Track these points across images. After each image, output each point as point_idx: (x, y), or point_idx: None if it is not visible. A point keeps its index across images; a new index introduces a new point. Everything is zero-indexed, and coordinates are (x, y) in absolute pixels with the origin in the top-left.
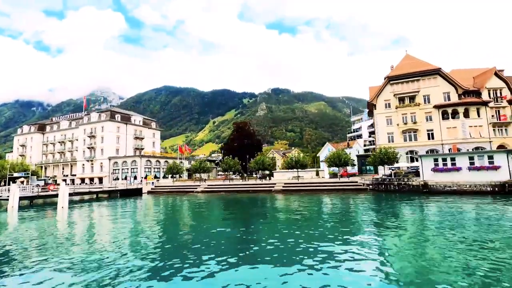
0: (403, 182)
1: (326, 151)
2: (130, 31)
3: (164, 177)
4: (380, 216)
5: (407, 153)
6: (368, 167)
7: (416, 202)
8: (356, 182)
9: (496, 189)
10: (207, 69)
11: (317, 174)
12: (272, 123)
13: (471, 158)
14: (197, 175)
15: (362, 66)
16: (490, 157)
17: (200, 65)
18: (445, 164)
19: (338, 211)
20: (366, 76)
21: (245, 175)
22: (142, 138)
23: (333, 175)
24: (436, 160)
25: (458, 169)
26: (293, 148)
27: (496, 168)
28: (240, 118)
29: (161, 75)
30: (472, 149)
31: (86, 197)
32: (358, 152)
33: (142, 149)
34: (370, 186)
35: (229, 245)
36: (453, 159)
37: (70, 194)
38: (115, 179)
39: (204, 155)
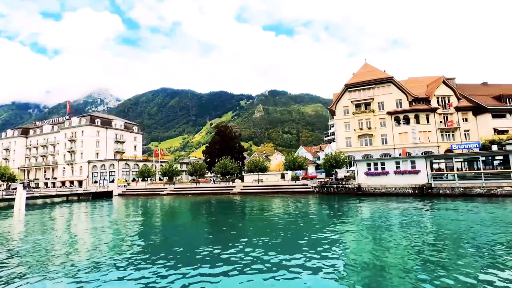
0: (341, 185)
1: (299, 154)
2: (128, 32)
3: (143, 180)
4: (305, 218)
5: (363, 157)
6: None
7: (351, 204)
8: (307, 185)
9: (416, 191)
10: (205, 70)
11: (283, 177)
12: (269, 125)
13: (397, 163)
14: (179, 177)
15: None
16: (413, 162)
17: (197, 66)
18: (376, 169)
19: (275, 211)
20: None
21: (216, 177)
22: (123, 142)
23: (296, 178)
24: (369, 164)
25: (387, 173)
26: (276, 151)
27: (417, 172)
28: (237, 120)
29: (158, 77)
30: (422, 153)
31: (57, 199)
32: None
33: (123, 152)
34: (317, 189)
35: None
36: (383, 164)
37: (35, 197)
38: (94, 182)
39: (196, 157)
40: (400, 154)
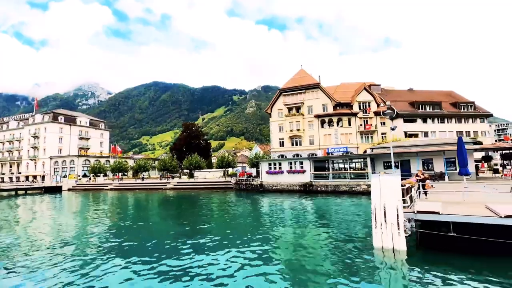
0: (248, 183)
1: (254, 152)
2: (118, 24)
3: (104, 175)
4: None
5: (293, 156)
6: None
7: (252, 198)
8: (230, 181)
9: (302, 188)
10: (197, 65)
11: (225, 174)
12: (260, 120)
13: (290, 164)
14: (143, 173)
15: (354, 65)
16: (301, 163)
17: (190, 61)
18: (275, 168)
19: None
20: (358, 76)
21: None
22: (88, 139)
23: (234, 175)
24: (270, 164)
25: (282, 172)
26: (244, 148)
27: (303, 172)
28: (230, 115)
29: (150, 71)
30: (342, 153)
31: (5, 194)
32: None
33: (88, 148)
34: (235, 185)
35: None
36: (280, 164)
37: None
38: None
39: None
40: (322, 154)
